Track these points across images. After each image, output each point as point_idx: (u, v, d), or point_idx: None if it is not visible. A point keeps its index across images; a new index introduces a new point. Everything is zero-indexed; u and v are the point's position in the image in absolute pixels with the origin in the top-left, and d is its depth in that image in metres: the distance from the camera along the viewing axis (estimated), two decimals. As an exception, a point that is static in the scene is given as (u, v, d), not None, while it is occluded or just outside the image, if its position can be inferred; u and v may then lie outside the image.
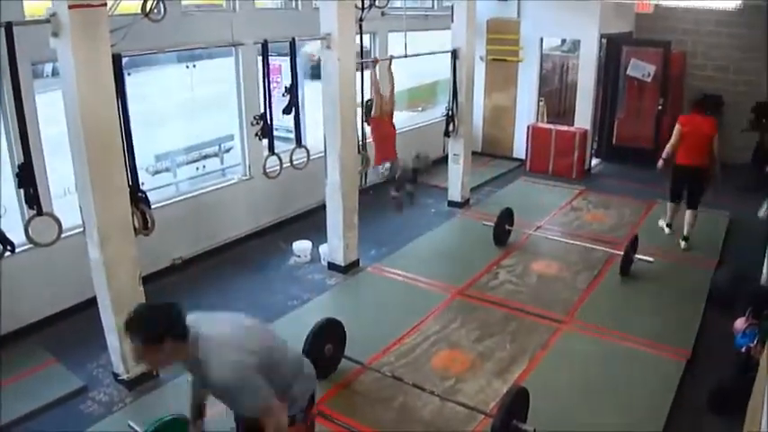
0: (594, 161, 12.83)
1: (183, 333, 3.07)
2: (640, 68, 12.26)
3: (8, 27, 4.55)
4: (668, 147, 8.53)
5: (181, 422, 4.12)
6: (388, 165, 8.08)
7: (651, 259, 7.66)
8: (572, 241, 8.58)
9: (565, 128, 12.26)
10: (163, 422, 4.15)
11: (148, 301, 3.11)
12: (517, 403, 4.71)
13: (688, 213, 8.57)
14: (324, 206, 7.95)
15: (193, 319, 3.19)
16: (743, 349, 5.51)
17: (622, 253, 7.63)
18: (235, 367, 3.08)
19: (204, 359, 3.09)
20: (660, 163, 8.65)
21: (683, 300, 7.13)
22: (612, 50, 12.42)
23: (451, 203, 10.35)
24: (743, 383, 4.77)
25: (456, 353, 6.11)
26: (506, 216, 8.65)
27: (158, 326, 3.03)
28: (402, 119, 12.29)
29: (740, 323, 5.89)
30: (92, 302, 5.65)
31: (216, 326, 3.24)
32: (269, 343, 3.38)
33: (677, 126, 8.45)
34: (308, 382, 3.62)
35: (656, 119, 12.32)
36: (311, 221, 9.02)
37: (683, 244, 8.56)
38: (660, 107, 12.17)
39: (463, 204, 10.30)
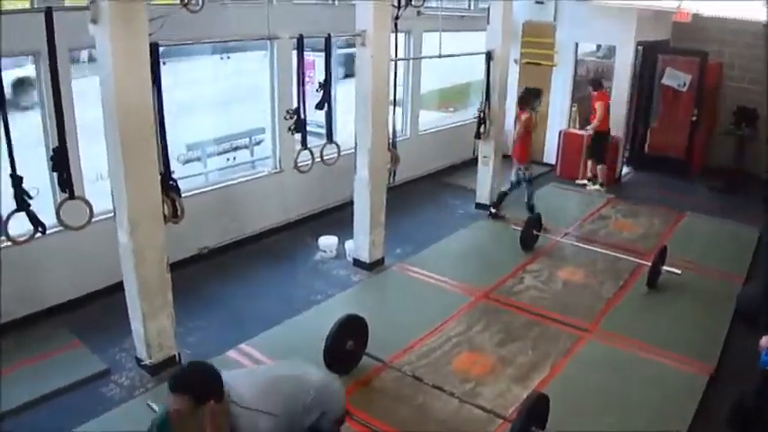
0: (625, 169, 12.70)
1: (221, 395, 3.01)
2: (676, 78, 12.12)
3: (48, 12, 4.60)
4: (600, 120, 11.00)
5: None
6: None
7: (679, 271, 7.54)
8: (599, 249, 8.48)
9: (597, 135, 12.13)
10: None
11: (193, 361, 3.12)
12: (537, 409, 4.68)
13: (601, 166, 11.37)
14: (351, 202, 7.96)
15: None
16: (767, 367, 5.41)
17: (650, 264, 7.54)
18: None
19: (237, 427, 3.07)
20: (590, 132, 11.29)
21: (709, 314, 7.04)
22: (648, 58, 12.28)
23: (479, 205, 10.30)
24: (765, 402, 4.71)
25: (477, 356, 6.09)
26: (534, 221, 8.60)
27: (212, 382, 2.99)
28: (433, 119, 12.34)
29: (765, 341, 5.77)
30: (118, 287, 5.70)
31: (237, 388, 3.18)
32: (288, 401, 3.27)
33: (602, 103, 11.05)
34: (332, 413, 3.53)
35: (689, 129, 12.19)
36: (338, 217, 9.03)
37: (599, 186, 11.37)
38: (694, 118, 12.03)
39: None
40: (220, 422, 2.99)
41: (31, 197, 4.78)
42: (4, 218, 4.77)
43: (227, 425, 3.03)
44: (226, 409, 3.02)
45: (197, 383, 2.95)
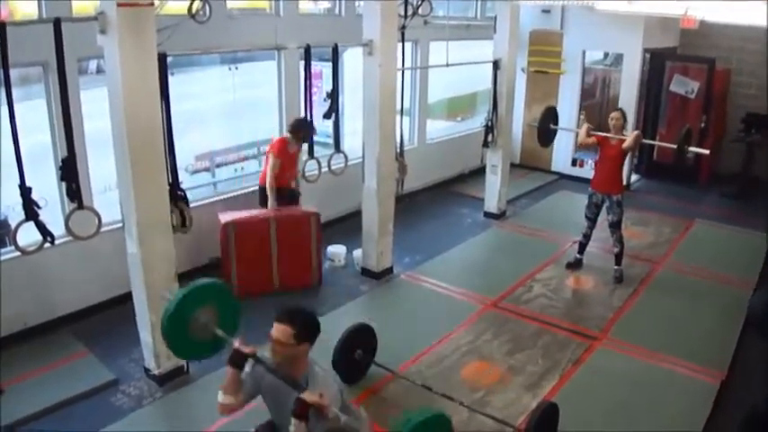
0: (634, 177, 12.64)
1: (313, 344, 3.45)
2: (683, 84, 12.10)
3: (57, 23, 4.62)
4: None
5: (212, 286, 4.00)
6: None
7: (707, 151, 8.04)
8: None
9: (605, 143, 12.10)
10: (196, 287, 3.79)
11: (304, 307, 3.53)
12: (546, 418, 4.66)
13: None
14: (360, 212, 7.95)
15: None
16: (781, 374, 5.38)
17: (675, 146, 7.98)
18: (337, 394, 3.44)
19: (311, 375, 3.43)
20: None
21: (720, 321, 7.01)
22: (656, 65, 12.26)
23: (487, 214, 10.26)
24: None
25: (486, 365, 6.07)
26: (551, 115, 8.80)
27: (314, 328, 3.43)
28: (441, 128, 12.33)
29: (779, 347, 5.76)
30: (126, 297, 5.70)
31: None
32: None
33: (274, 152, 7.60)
34: None
35: (698, 136, 12.13)
36: (346, 226, 9.02)
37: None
38: (703, 124, 11.98)
39: (499, 216, 10.21)
40: (304, 365, 3.42)
41: (39, 207, 4.79)
42: (13, 228, 4.79)
43: (306, 372, 3.41)
44: (307, 358, 3.45)
45: (305, 324, 3.36)
